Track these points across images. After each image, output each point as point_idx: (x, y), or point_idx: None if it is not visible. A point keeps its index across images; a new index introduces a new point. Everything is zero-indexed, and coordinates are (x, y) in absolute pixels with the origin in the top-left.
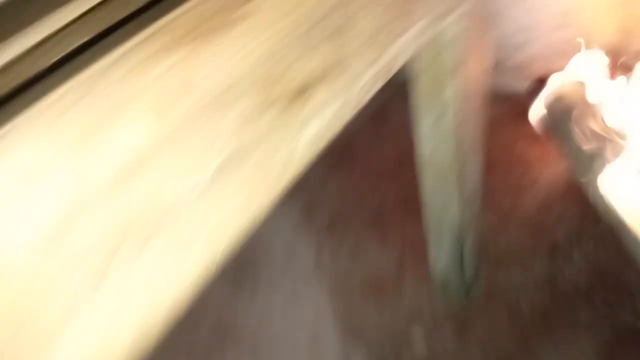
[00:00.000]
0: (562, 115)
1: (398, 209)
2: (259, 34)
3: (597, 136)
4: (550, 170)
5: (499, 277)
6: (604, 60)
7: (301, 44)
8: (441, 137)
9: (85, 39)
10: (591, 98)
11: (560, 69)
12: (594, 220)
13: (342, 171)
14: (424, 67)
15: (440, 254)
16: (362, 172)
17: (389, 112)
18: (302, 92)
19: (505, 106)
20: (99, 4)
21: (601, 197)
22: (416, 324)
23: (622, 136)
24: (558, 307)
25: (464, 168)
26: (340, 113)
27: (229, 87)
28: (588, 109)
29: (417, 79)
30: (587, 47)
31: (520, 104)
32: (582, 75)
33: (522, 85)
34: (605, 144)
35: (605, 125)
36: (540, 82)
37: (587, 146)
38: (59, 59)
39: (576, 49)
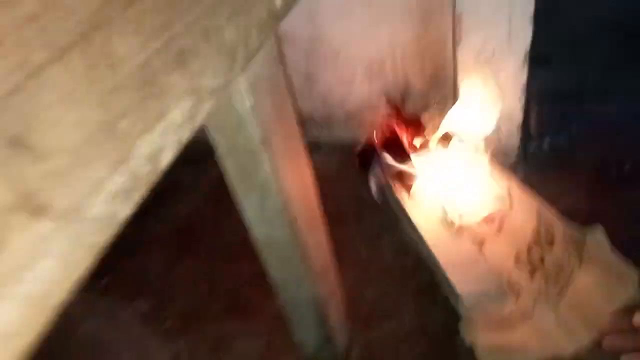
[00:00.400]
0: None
1: (255, 290)
2: None
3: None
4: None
5: (374, 335)
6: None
7: None
8: (270, 219)
9: None
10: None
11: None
12: None
13: (188, 259)
14: (230, 147)
15: (306, 335)
16: (210, 257)
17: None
18: None
19: (344, 157)
20: None
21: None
22: None
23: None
24: (436, 351)
25: (306, 246)
26: (70, 259)
27: None
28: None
29: (227, 160)
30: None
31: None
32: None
33: (353, 134)
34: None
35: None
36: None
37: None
38: None
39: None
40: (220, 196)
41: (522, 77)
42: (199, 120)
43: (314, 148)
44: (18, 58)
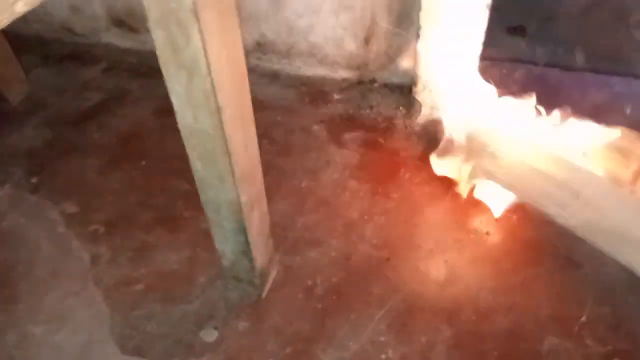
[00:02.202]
0: None
1: (187, 206)
2: None
3: None
4: (344, 152)
5: (296, 261)
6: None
7: None
8: (196, 103)
9: None
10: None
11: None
12: (384, 197)
13: (125, 166)
14: (161, 14)
15: (226, 245)
16: (149, 167)
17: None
18: None
19: (302, 90)
20: None
21: None
22: (207, 324)
23: None
24: (352, 284)
25: (232, 141)
26: None
27: None
28: None
29: (157, 30)
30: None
31: (313, 87)
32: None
33: (312, 70)
34: None
35: None
36: None
37: None
38: None
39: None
40: (167, 112)
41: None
42: None
43: (272, 78)
44: None
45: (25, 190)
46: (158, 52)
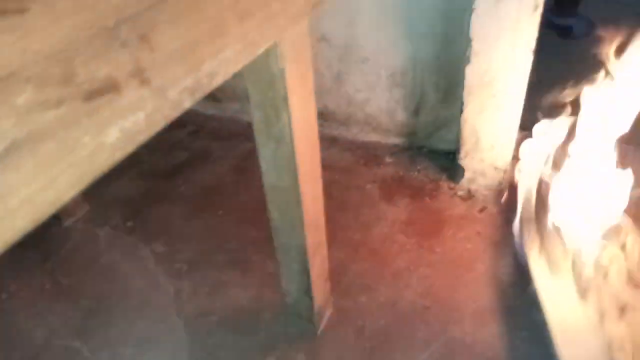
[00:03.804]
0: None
1: (256, 251)
2: (46, 26)
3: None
4: (393, 209)
5: (348, 304)
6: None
7: (98, 46)
8: (280, 165)
9: None
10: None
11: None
12: (429, 250)
13: (206, 215)
14: (260, 100)
15: (291, 284)
16: (225, 216)
17: (253, 159)
18: (99, 94)
19: (357, 153)
20: None
21: None
22: (270, 355)
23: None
24: (398, 327)
25: (304, 195)
26: (151, 118)
27: (6, 75)
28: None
29: (256, 110)
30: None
31: (368, 151)
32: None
33: (367, 136)
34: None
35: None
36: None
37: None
38: None
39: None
40: (242, 170)
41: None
42: (243, 62)
43: (331, 142)
44: None
45: (121, 232)
46: (254, 126)
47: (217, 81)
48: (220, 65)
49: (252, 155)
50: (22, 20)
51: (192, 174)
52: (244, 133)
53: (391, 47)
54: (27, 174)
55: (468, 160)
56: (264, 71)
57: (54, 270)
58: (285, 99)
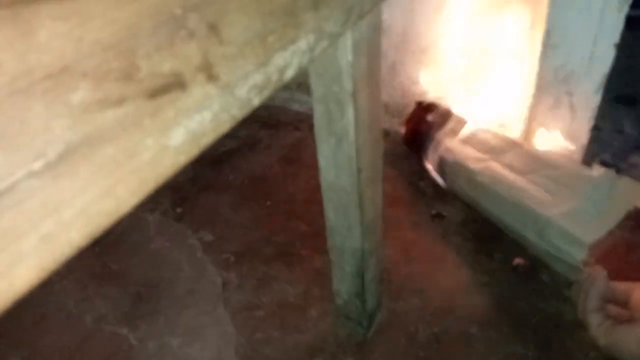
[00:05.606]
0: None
1: (305, 245)
2: (105, 11)
3: None
4: (450, 207)
5: (400, 307)
6: None
7: (163, 36)
8: (340, 164)
9: None
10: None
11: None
12: (487, 256)
13: (253, 205)
14: (324, 93)
15: (343, 285)
16: (273, 207)
17: (301, 150)
18: (163, 91)
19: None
20: None
21: None
22: (318, 355)
23: None
24: (453, 333)
25: (364, 196)
26: (218, 118)
27: (59, 70)
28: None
29: (318, 104)
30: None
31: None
32: None
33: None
34: None
35: None
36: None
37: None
38: None
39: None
40: (290, 160)
41: (595, 100)
42: (315, 53)
43: (383, 134)
44: None
45: (171, 218)
46: (315, 122)
47: (287, 76)
48: (292, 58)
49: (300, 144)
50: (77, 5)
51: (240, 162)
52: (292, 122)
53: (452, 36)
54: (83, 183)
55: None
56: (331, 63)
57: (102, 254)
58: (351, 94)
